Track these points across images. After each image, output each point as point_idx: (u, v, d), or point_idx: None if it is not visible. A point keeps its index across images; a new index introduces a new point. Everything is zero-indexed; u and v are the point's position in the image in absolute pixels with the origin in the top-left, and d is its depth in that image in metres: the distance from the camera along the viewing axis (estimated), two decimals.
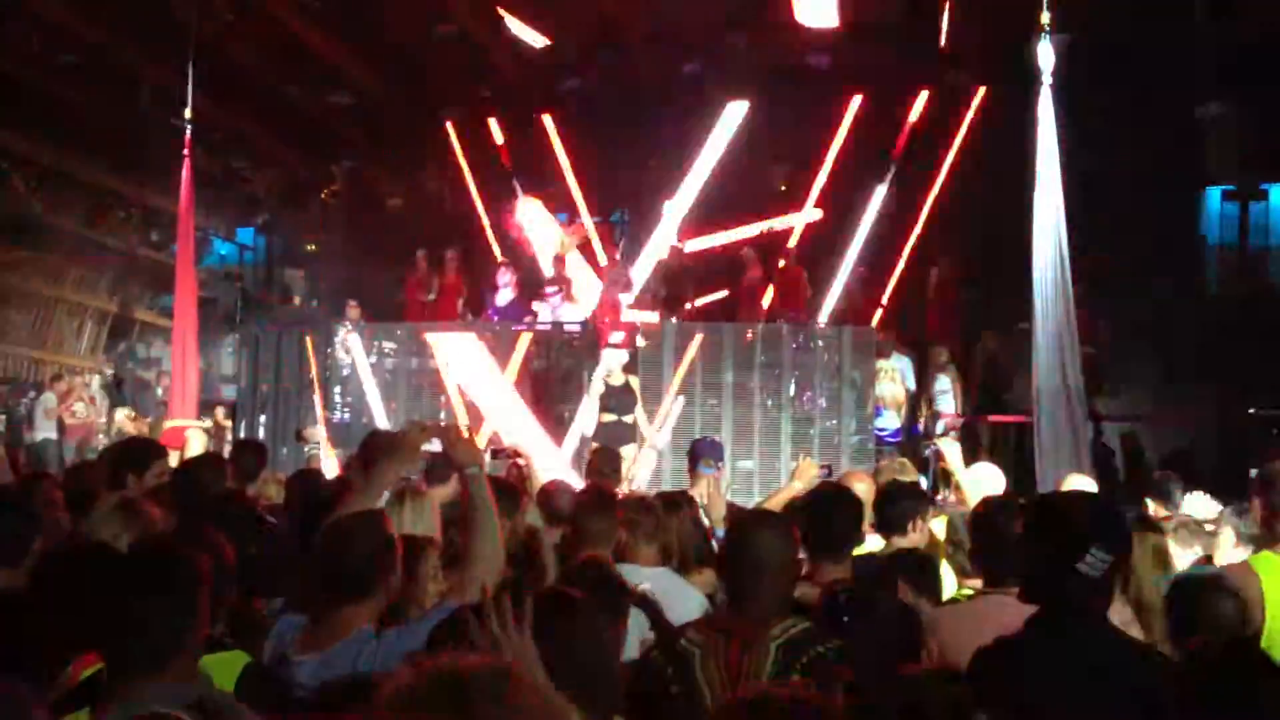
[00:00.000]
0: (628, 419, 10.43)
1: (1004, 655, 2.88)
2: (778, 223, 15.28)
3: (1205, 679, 2.62)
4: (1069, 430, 7.52)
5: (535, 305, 13.36)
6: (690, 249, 14.95)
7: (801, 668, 3.13)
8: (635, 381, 10.63)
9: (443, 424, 3.75)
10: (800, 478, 6.17)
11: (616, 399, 10.48)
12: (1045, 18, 7.77)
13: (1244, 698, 2.52)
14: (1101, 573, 2.85)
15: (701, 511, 5.97)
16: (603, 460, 7.59)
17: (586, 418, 10.94)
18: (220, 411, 14.01)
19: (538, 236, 15.44)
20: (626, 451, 9.78)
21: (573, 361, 11.96)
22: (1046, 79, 7.53)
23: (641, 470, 10.51)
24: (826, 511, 4.23)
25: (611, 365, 10.60)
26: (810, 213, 15.25)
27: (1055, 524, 3.02)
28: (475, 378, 11.94)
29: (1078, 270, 7.69)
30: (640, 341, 11.52)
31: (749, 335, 11.73)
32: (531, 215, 15.58)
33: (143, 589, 2.58)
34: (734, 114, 15.28)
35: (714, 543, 5.42)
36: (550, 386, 12.09)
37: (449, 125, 16.44)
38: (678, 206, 15.16)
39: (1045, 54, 7.56)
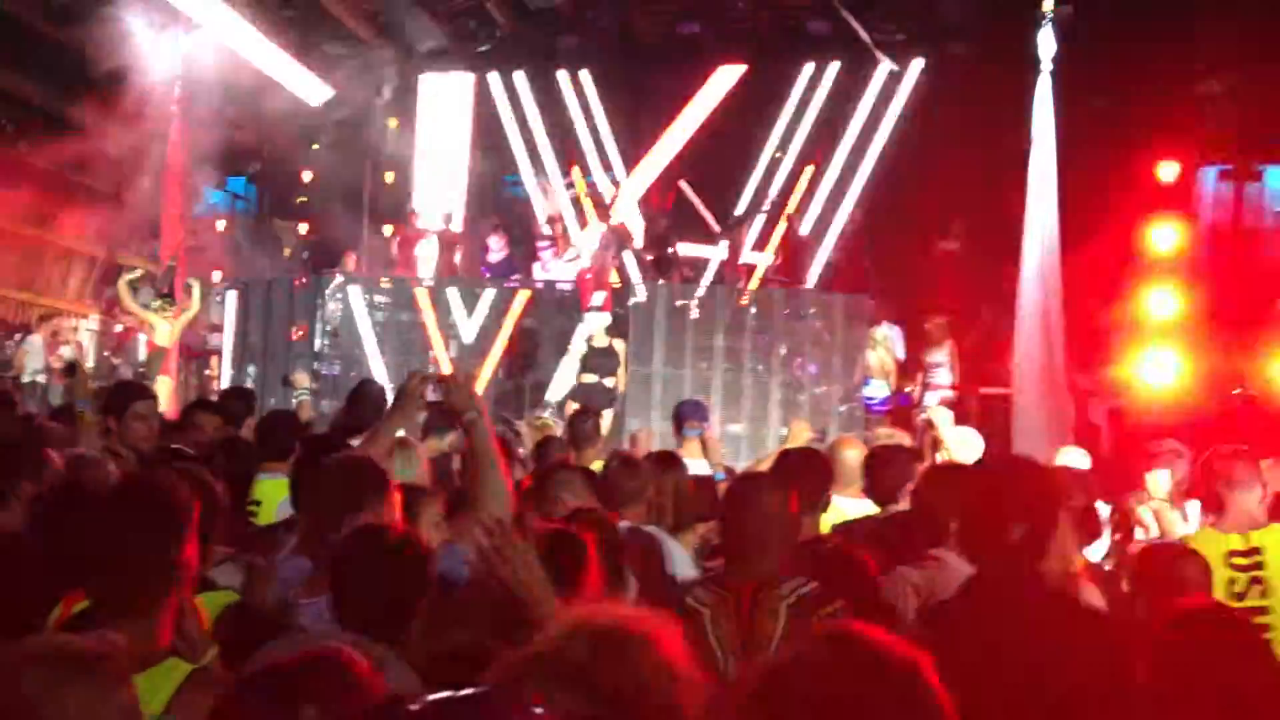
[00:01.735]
0: (608, 382, 10.46)
1: (944, 615, 2.92)
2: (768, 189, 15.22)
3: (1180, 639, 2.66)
4: (1050, 404, 7.57)
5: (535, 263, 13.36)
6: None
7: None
8: (620, 345, 10.62)
9: (444, 373, 3.77)
10: (793, 442, 6.22)
11: (598, 360, 10.51)
12: (1048, 4, 7.75)
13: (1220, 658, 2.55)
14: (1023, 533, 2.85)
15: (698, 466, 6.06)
16: (580, 415, 7.69)
17: (564, 377, 10.99)
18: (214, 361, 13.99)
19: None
20: (606, 414, 9.85)
21: (564, 320, 11.94)
22: (1046, 65, 7.54)
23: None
24: (795, 472, 4.30)
25: (593, 327, 10.62)
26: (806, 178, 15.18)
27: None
28: (469, 335, 11.94)
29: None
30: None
31: (741, 300, 11.73)
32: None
33: (126, 522, 2.58)
34: (729, 76, 15.17)
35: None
36: (541, 344, 12.09)
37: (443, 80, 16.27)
38: (653, 162, 15.05)
39: (1045, 41, 7.57)
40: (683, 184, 15.44)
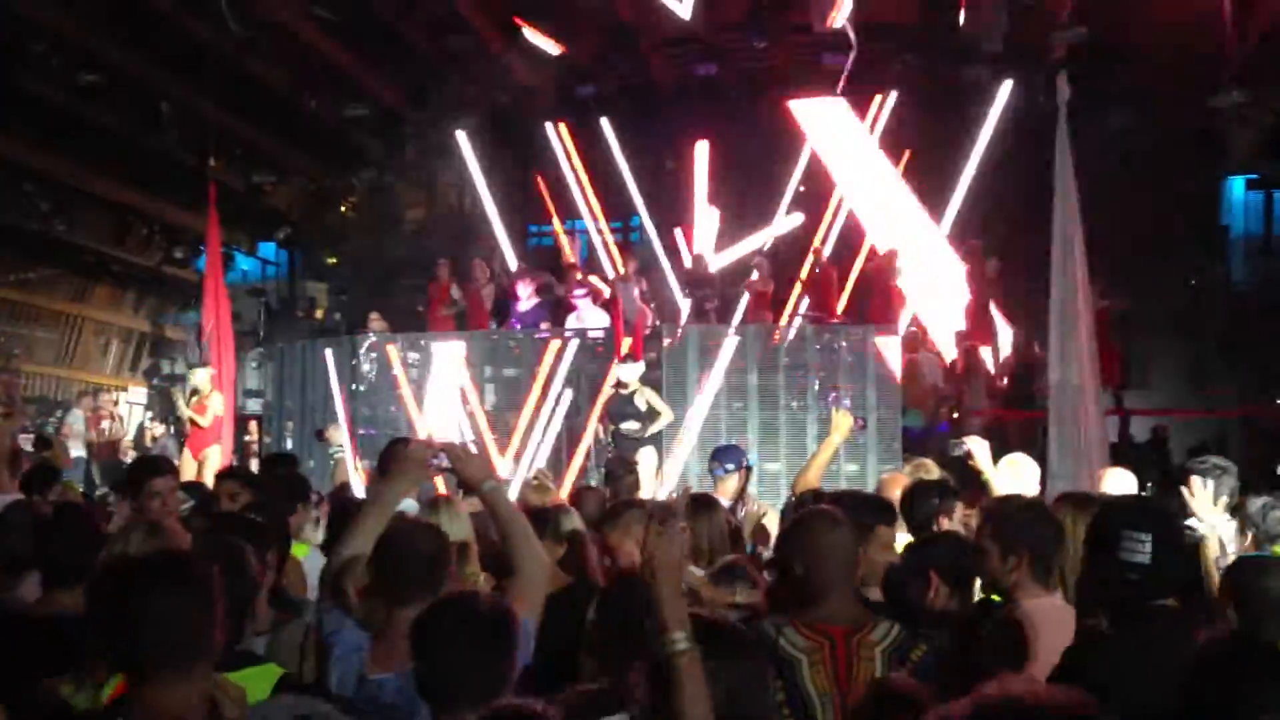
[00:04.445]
0: (636, 428, 10.51)
1: (1088, 653, 2.85)
2: (788, 224, 15.23)
3: (1214, 672, 2.58)
4: (1082, 426, 7.53)
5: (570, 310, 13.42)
6: (714, 256, 14.97)
7: (911, 672, 3.12)
8: (650, 394, 10.60)
9: (452, 443, 3.67)
10: (837, 430, 6.25)
11: (627, 409, 10.57)
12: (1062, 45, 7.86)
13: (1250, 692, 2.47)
14: (1148, 556, 2.83)
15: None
16: (620, 467, 7.76)
17: (592, 427, 11.14)
18: (253, 426, 14.10)
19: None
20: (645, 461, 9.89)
21: (597, 368, 11.96)
22: (1063, 110, 7.63)
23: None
24: (857, 509, 4.26)
25: (621, 376, 10.67)
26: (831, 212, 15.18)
27: (1091, 522, 3.04)
28: (501, 388, 11.99)
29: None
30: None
31: (774, 338, 11.72)
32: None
33: (152, 588, 2.53)
34: (750, 117, 15.27)
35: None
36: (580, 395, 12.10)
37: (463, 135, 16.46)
38: (699, 214, 15.14)
39: (1062, 90, 7.66)
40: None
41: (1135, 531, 2.85)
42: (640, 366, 10.79)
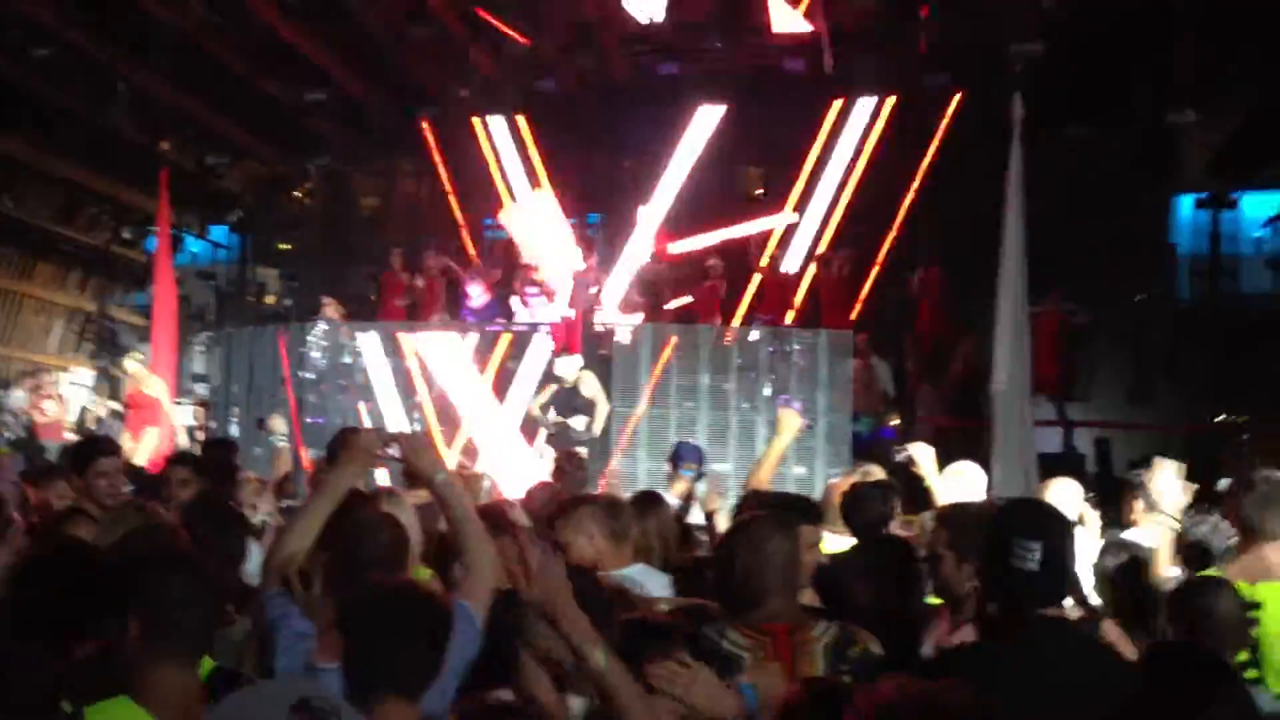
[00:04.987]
0: (576, 423, 10.58)
1: (963, 660, 2.89)
2: (750, 227, 15.25)
3: (1161, 681, 2.61)
4: (1018, 435, 7.64)
5: (515, 304, 13.38)
6: (671, 251, 14.96)
7: (849, 668, 3.17)
8: (590, 381, 10.65)
9: (403, 433, 3.62)
10: (783, 433, 6.29)
11: (573, 401, 10.64)
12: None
13: (1197, 702, 2.50)
14: (1038, 564, 2.85)
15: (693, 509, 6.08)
16: (568, 462, 7.78)
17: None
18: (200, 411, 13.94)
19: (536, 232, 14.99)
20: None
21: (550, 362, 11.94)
22: (1016, 130, 7.74)
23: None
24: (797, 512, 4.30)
25: (558, 370, 10.74)
26: (788, 216, 15.23)
27: (988, 528, 3.08)
28: (452, 380, 11.91)
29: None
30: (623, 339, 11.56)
31: (725, 339, 11.76)
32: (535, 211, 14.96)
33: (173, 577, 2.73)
34: (710, 117, 15.28)
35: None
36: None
37: (425, 124, 16.36)
38: (653, 211, 15.13)
39: (1016, 109, 7.79)
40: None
41: (1025, 540, 2.87)
42: (577, 359, 10.84)
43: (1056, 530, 3.01)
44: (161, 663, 2.64)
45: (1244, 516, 4.21)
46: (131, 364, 11.67)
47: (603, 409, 10.82)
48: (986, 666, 2.79)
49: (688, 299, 14.47)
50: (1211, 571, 4.21)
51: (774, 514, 3.83)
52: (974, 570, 3.41)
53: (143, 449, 10.61)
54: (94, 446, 5.55)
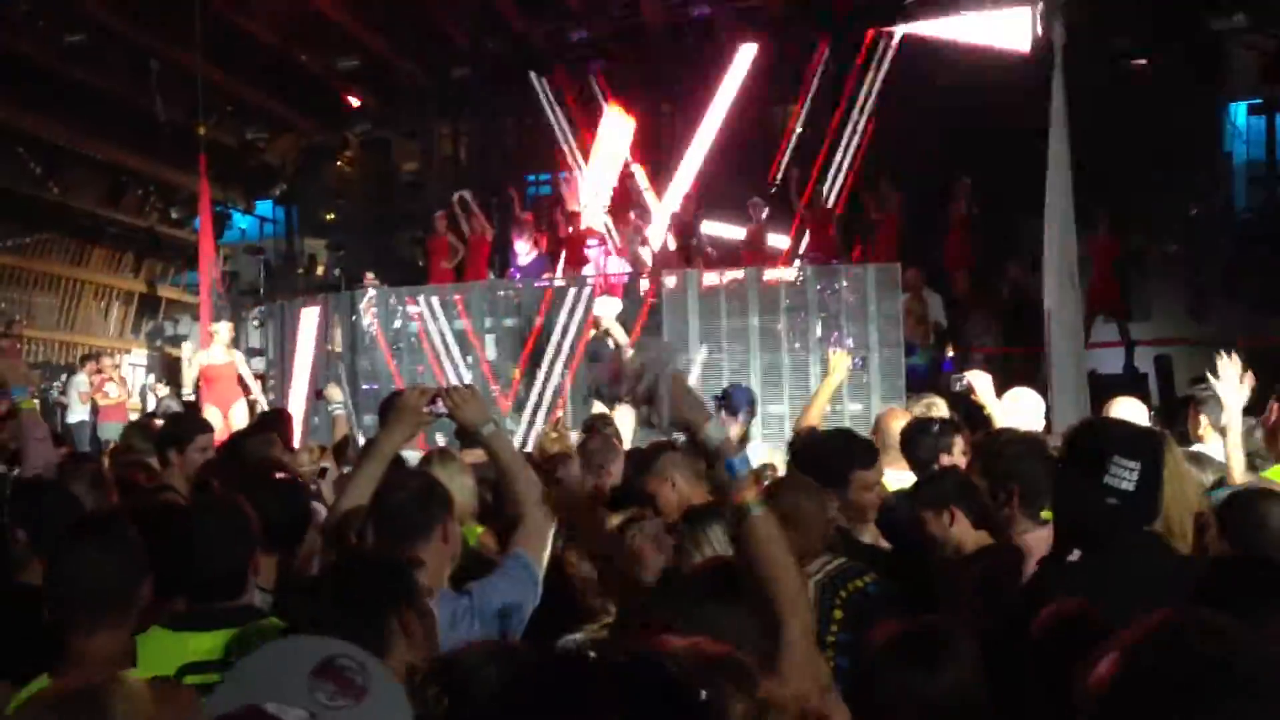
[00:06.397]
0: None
1: (1069, 578, 2.83)
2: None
3: (1217, 595, 2.54)
4: (1073, 358, 7.58)
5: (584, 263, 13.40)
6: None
7: (841, 603, 3.13)
8: (616, 329, 10.52)
9: (446, 387, 3.56)
10: (835, 371, 6.28)
11: (600, 350, 10.56)
12: None
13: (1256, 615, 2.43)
14: (1133, 483, 2.81)
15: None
16: (598, 421, 7.67)
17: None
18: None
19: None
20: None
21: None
22: (1058, 57, 7.61)
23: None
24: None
25: (596, 310, 10.67)
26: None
27: (1074, 443, 2.99)
28: (499, 338, 11.97)
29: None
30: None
31: (774, 279, 11.66)
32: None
33: (78, 544, 2.76)
34: (745, 57, 15.08)
35: None
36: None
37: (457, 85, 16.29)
38: (692, 158, 14.98)
39: (1057, 33, 7.67)
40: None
41: (1124, 458, 2.81)
42: (616, 302, 10.76)
43: (1154, 451, 2.95)
44: (81, 630, 2.64)
45: None
46: (223, 329, 11.68)
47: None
48: (1094, 583, 2.73)
49: (738, 236, 14.36)
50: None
51: (792, 479, 3.89)
52: (1006, 496, 3.36)
53: (236, 422, 10.76)
54: (192, 423, 5.64)
